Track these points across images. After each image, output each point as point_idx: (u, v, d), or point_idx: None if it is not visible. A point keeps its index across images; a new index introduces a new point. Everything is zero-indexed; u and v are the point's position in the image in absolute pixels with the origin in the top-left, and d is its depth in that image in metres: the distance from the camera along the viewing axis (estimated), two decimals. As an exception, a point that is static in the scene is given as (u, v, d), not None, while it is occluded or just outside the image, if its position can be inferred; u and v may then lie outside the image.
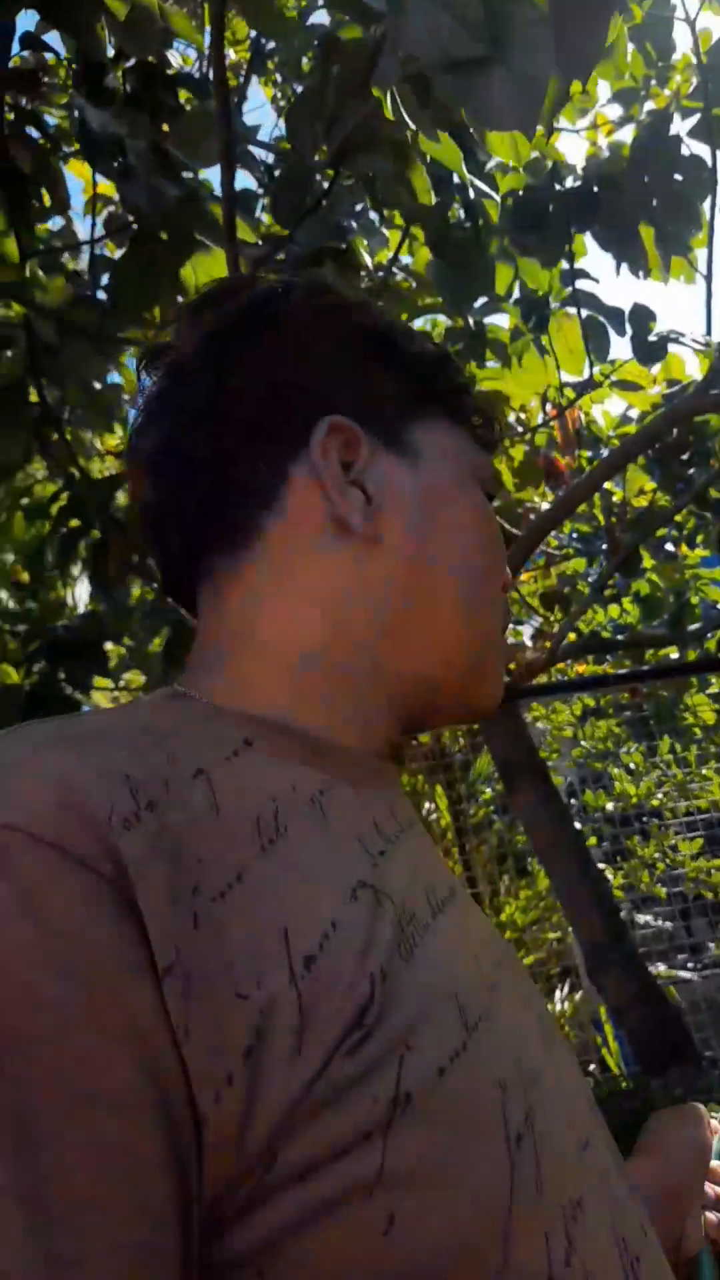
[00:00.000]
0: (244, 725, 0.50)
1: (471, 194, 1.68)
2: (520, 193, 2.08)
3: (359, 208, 2.20)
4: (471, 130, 1.69)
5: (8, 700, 2.43)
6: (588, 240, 2.29)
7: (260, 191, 2.26)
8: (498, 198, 1.99)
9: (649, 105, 3.30)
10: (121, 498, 2.62)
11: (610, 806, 3.95)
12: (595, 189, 2.07)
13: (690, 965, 4.21)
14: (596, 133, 3.31)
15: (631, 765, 3.98)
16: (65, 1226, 0.33)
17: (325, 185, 1.78)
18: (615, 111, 3.30)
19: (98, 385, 2.10)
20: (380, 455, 0.56)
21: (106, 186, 2.66)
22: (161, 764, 0.43)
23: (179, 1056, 0.36)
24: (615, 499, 3.27)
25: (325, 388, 0.57)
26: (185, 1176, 0.36)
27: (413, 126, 1.53)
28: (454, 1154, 0.39)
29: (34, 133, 2.05)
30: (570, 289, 2.16)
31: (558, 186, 2.07)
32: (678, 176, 2.26)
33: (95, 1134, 0.34)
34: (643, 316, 2.20)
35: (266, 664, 0.53)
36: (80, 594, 2.67)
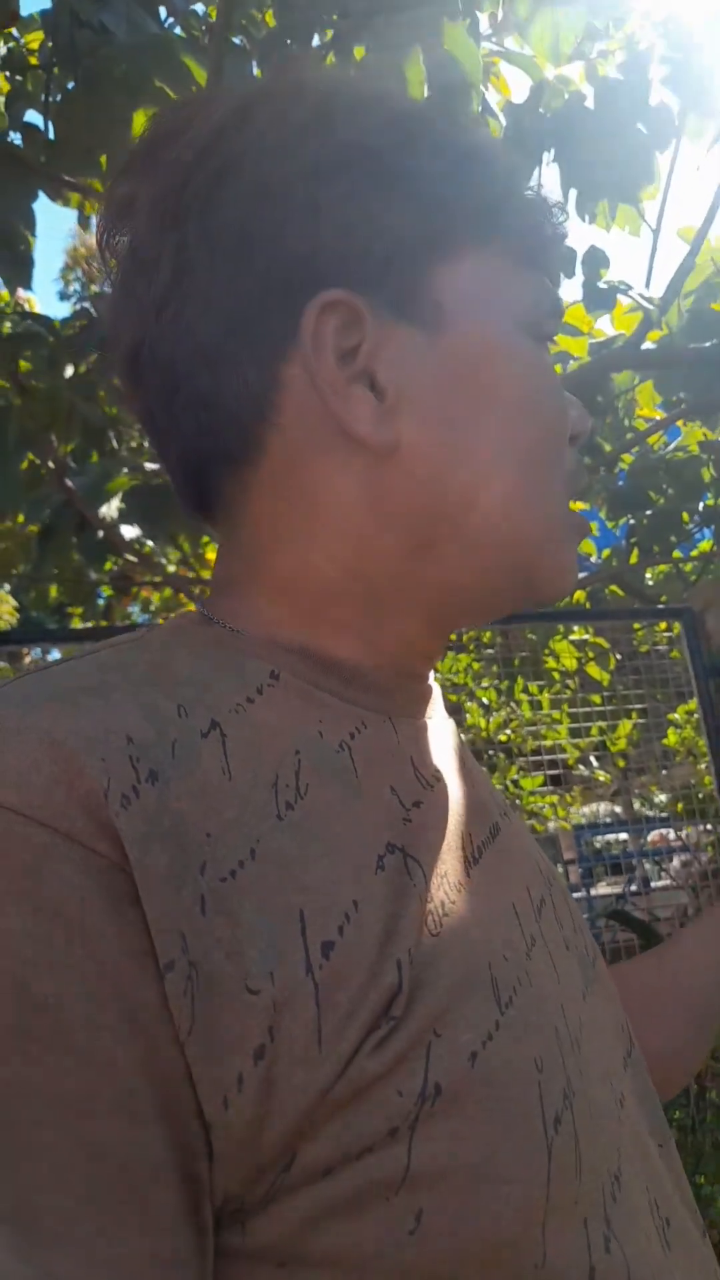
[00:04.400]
0: (271, 655, 0.46)
1: (478, 106, 1.61)
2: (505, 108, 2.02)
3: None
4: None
5: None
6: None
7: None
8: (503, 120, 1.92)
9: (599, 45, 3.31)
10: (25, 364, 2.40)
11: (463, 738, 4.10)
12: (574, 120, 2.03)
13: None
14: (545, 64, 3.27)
15: (485, 701, 4.13)
16: (60, 1242, 0.31)
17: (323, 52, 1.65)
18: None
19: (29, 235, 1.89)
20: (391, 329, 0.46)
21: None
22: (171, 719, 0.39)
23: (183, 1056, 0.34)
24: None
25: (309, 245, 0.45)
26: (195, 1177, 0.34)
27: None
28: (487, 1146, 0.37)
29: None
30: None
31: (541, 110, 2.01)
32: (641, 127, 2.27)
33: (92, 1141, 0.32)
34: (596, 261, 2.20)
35: (287, 596, 0.48)
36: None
